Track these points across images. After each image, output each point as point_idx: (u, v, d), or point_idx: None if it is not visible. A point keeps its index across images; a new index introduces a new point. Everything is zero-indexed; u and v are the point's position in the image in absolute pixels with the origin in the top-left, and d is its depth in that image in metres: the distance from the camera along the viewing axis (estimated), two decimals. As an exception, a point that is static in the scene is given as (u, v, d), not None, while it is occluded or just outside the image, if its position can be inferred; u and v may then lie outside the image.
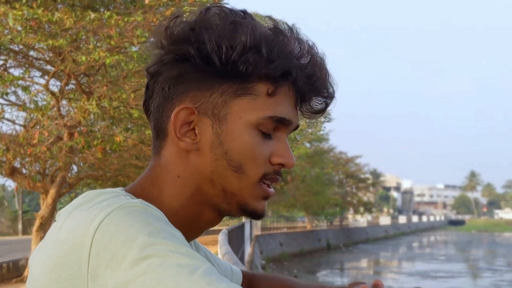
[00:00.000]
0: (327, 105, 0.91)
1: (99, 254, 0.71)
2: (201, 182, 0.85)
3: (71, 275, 0.72)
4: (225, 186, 0.85)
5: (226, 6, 0.86)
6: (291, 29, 0.87)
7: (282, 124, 0.86)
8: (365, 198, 64.18)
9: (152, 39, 0.88)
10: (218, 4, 0.87)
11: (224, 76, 0.83)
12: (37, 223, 12.00)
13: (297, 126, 0.89)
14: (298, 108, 0.89)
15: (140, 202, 0.78)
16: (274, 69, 0.83)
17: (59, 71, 10.04)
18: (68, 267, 0.73)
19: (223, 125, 0.84)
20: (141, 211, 0.75)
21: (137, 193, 0.85)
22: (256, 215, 0.88)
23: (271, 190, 0.88)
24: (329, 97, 0.90)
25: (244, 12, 0.86)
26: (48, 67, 11.27)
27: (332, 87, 0.90)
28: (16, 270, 13.54)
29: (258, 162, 0.85)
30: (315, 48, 0.88)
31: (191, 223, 0.87)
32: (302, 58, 0.86)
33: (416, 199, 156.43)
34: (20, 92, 11.09)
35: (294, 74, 0.85)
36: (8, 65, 10.76)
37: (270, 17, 0.87)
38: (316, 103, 0.90)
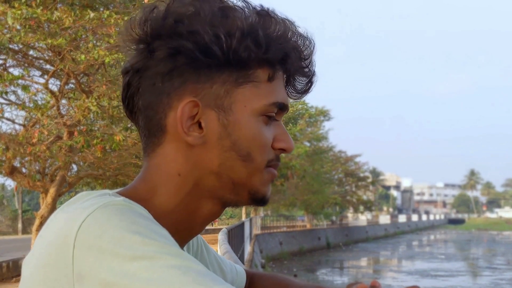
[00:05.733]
0: (312, 83, 0.89)
1: (84, 255, 0.69)
2: (202, 178, 0.83)
3: (57, 276, 0.70)
4: (233, 178, 0.83)
5: None
6: (268, 9, 0.85)
7: (281, 109, 0.85)
8: (364, 197, 64.13)
9: (126, 33, 0.83)
10: None
11: (223, 65, 0.81)
12: (36, 222, 11.99)
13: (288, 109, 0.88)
14: (286, 90, 0.88)
15: (123, 200, 0.75)
16: (273, 53, 0.82)
17: (58, 70, 10.04)
18: (54, 268, 0.71)
19: (229, 115, 0.81)
20: (124, 209, 0.73)
21: (129, 194, 0.83)
22: (264, 201, 0.86)
23: (276, 172, 0.87)
24: (314, 75, 0.89)
25: None
26: (48, 66, 11.26)
27: (314, 64, 0.88)
28: (16, 269, 13.54)
29: (265, 149, 0.84)
30: (296, 26, 0.86)
31: (188, 219, 0.85)
32: (291, 39, 0.84)
33: (416, 198, 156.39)
34: (19, 91, 11.09)
35: (292, 57, 0.84)
36: (7, 65, 10.75)
37: None
38: (302, 83, 0.89)
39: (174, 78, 0.81)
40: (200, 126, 0.82)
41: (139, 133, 0.88)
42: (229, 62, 0.81)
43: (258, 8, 0.84)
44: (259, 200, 0.86)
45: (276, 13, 0.85)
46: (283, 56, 0.83)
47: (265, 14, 0.83)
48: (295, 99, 0.90)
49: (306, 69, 0.87)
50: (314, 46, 0.87)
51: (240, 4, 0.84)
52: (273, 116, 0.85)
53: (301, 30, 0.86)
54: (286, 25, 0.85)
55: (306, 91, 0.90)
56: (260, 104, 0.82)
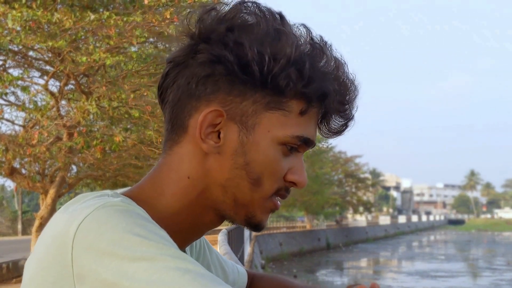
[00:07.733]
0: (347, 126, 0.88)
1: (82, 256, 0.69)
2: (209, 186, 0.83)
3: (56, 278, 0.70)
4: (237, 196, 0.83)
5: (260, 3, 0.82)
6: (325, 43, 0.84)
7: (305, 144, 0.84)
8: (364, 198, 64.16)
9: (181, 24, 0.84)
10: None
11: (258, 85, 0.80)
12: (36, 223, 11.98)
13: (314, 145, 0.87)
14: (318, 127, 0.87)
15: (121, 200, 0.75)
16: (313, 89, 0.80)
17: (58, 71, 10.03)
18: (53, 270, 0.71)
19: (250, 135, 0.81)
20: (122, 209, 0.72)
21: (134, 194, 0.83)
22: (259, 227, 0.86)
23: (279, 203, 0.86)
24: (351, 119, 0.87)
25: (281, 16, 0.82)
26: (48, 67, 11.24)
27: (355, 108, 0.87)
28: (16, 270, 13.53)
29: (276, 177, 0.83)
30: (347, 67, 0.85)
31: (192, 224, 0.85)
32: (337, 79, 0.83)
33: (416, 198, 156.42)
34: (19, 92, 11.08)
35: (330, 98, 0.82)
36: (7, 66, 10.74)
37: (304, 25, 0.84)
38: (337, 123, 0.87)
39: (208, 84, 0.81)
40: (218, 137, 0.81)
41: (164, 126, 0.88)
42: (265, 84, 0.80)
43: (315, 39, 0.83)
44: (254, 225, 0.86)
45: (331, 48, 0.84)
46: (322, 94, 0.82)
47: (318, 47, 0.82)
48: (326, 137, 0.88)
49: (345, 113, 0.86)
50: (358, 92, 0.86)
51: (300, 30, 0.83)
52: (295, 147, 0.83)
53: (350, 72, 0.85)
54: (337, 63, 0.83)
55: (339, 132, 0.88)
56: (284, 134, 0.81)
